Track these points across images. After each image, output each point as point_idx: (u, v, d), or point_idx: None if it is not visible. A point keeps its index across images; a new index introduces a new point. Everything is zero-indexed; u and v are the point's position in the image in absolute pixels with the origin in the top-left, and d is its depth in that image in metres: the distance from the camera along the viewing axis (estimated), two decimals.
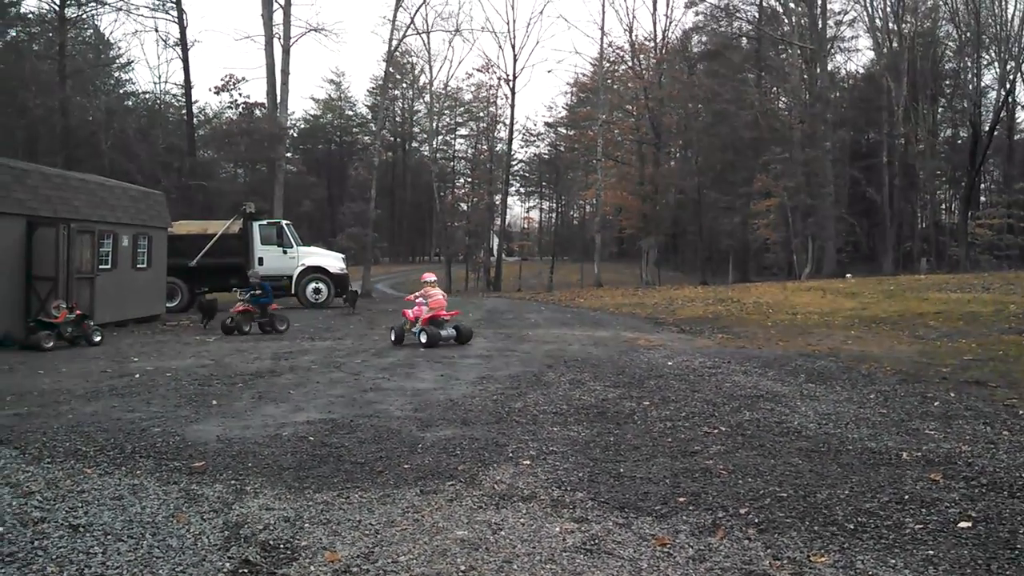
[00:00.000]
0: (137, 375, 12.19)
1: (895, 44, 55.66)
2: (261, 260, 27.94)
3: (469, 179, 73.75)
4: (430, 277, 16.70)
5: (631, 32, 56.81)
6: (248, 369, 12.86)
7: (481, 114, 67.69)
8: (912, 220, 60.87)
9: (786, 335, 17.17)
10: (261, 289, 19.00)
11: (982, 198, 62.49)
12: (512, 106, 55.07)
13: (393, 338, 16.25)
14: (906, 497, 5.90)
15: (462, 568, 4.70)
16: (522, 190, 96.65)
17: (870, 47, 66.16)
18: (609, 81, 58.55)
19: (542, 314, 24.79)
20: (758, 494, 6.03)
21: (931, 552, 4.86)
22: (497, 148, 60.86)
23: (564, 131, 71.88)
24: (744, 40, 60.38)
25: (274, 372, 12.51)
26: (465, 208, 64.14)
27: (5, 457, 7.08)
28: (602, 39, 60.14)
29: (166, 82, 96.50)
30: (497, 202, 57.55)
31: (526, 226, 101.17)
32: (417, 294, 16.54)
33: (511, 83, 54.14)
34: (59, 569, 4.67)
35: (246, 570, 4.70)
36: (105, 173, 33.59)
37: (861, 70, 68.73)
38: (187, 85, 44.32)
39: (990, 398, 9.73)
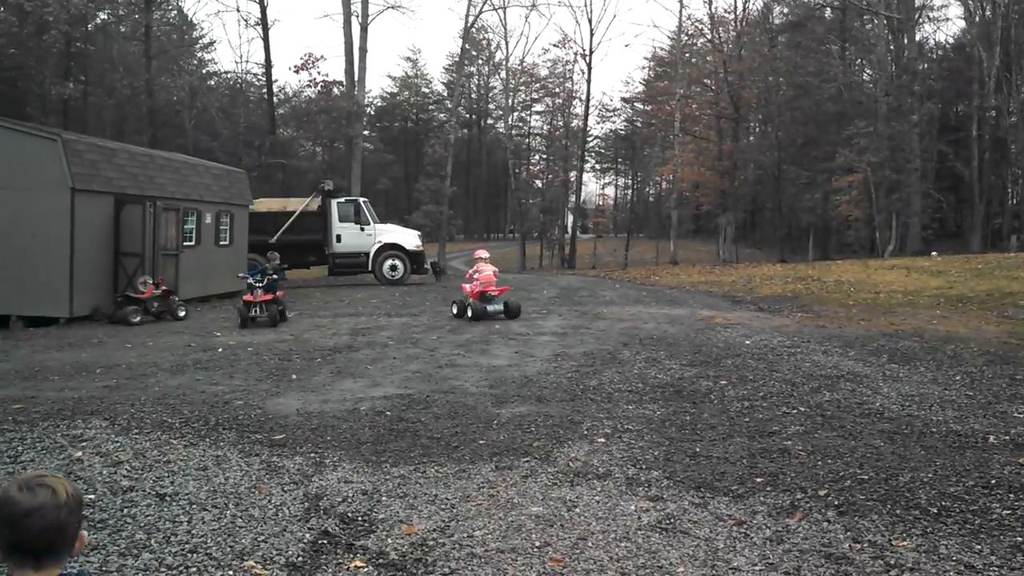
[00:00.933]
0: (220, 349, 12.51)
1: (988, 12, 53.54)
2: (339, 237, 28.32)
3: (544, 156, 73.63)
4: (483, 254, 17.42)
5: (711, 4, 55.92)
6: (326, 344, 13.08)
7: (557, 90, 67.27)
8: (1002, 196, 58.69)
9: (868, 314, 16.76)
10: (278, 273, 17.09)
11: None
12: (588, 81, 54.74)
13: (455, 311, 17.01)
14: (993, 482, 5.73)
15: (537, 544, 4.73)
16: (597, 166, 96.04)
17: (961, 16, 63.82)
18: (687, 55, 57.64)
19: (616, 292, 24.65)
20: (838, 476, 5.93)
21: (1019, 539, 4.72)
22: (573, 124, 60.43)
23: (641, 106, 71.05)
24: (828, 10, 58.73)
25: (352, 348, 12.71)
26: (540, 185, 64.05)
27: (95, 428, 7.34)
28: (680, 12, 59.54)
29: (247, 61, 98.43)
30: (572, 179, 57.34)
31: (601, 203, 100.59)
32: (472, 270, 17.26)
33: (587, 58, 53.73)
34: (147, 536, 4.84)
35: (326, 541, 4.80)
36: (189, 152, 34.40)
37: (951, 40, 66.33)
38: (267, 64, 45.03)
39: None
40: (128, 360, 11.52)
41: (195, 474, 6.07)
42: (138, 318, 16.26)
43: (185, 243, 19.91)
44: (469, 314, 16.15)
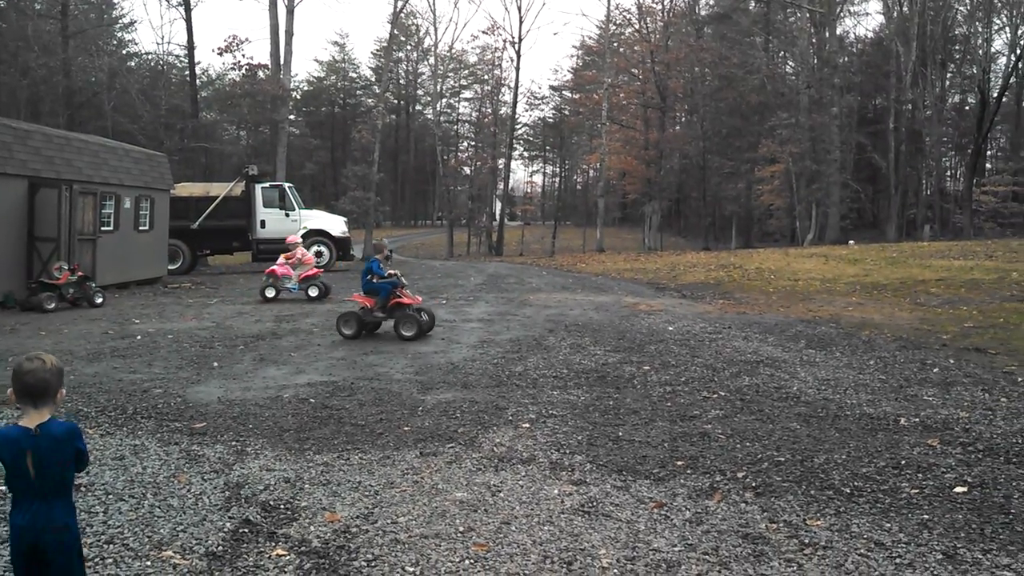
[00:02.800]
0: (138, 337, 12.23)
1: (905, 8, 55.02)
2: (263, 223, 27.91)
3: (473, 143, 73.37)
4: (296, 239, 18.99)
5: None
6: (250, 331, 12.89)
7: (486, 77, 67.01)
8: (917, 187, 60.54)
9: (787, 301, 17.16)
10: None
11: (988, 165, 62.06)
12: (517, 69, 54.89)
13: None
14: (903, 462, 5.94)
15: (461, 529, 4.75)
16: (526, 154, 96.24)
17: (880, 11, 65.81)
18: (615, 44, 57.97)
19: (543, 279, 24.78)
20: (756, 458, 6.07)
21: (926, 516, 4.90)
22: (501, 111, 60.35)
23: (569, 95, 71.31)
24: (752, 3, 59.72)
25: (275, 335, 12.55)
26: (468, 172, 63.80)
27: (6, 418, 7.12)
28: (609, 1, 59.67)
29: (169, 43, 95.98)
30: (500, 166, 57.24)
31: (529, 190, 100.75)
32: (293, 257, 18.11)
33: (516, 45, 53.64)
34: None
35: (247, 530, 4.75)
36: (108, 134, 33.49)
37: (870, 34, 68.10)
38: (190, 46, 43.94)
39: (989, 365, 9.74)
40: (42, 348, 11.14)
41: (112, 464, 5.94)
42: (53, 305, 15.79)
43: (103, 228, 19.38)
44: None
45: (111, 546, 4.49)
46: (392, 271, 12.89)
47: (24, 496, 3.23)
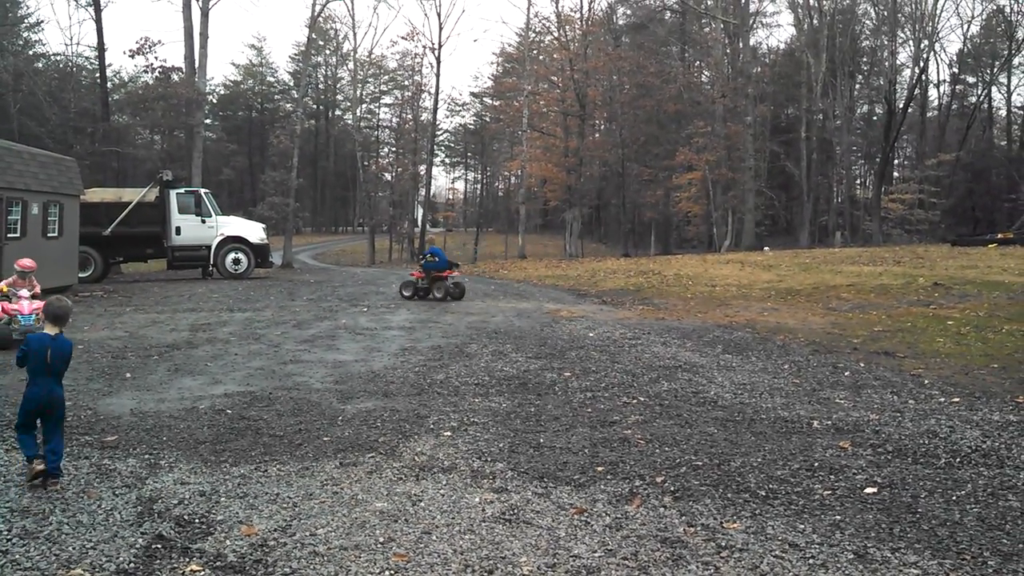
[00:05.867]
0: None
1: (815, 20, 56.60)
2: (179, 229, 27.27)
3: (394, 149, 73.00)
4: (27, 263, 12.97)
5: (557, 3, 56.89)
6: (164, 341, 12.58)
7: (406, 83, 66.79)
8: (828, 194, 62.36)
9: (705, 307, 17.47)
10: (434, 255, 19.73)
11: (895, 174, 64.25)
12: (438, 75, 54.82)
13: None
14: (816, 464, 6.09)
15: (381, 539, 4.70)
16: (447, 160, 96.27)
17: (791, 23, 67.39)
18: (535, 52, 58.38)
19: (465, 285, 24.75)
20: (674, 463, 6.16)
21: (838, 517, 5.03)
22: (422, 118, 60.21)
23: (490, 101, 71.64)
24: (668, 13, 60.76)
25: (191, 344, 12.27)
26: (389, 178, 63.49)
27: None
28: (528, 9, 60.40)
29: (78, 44, 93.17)
30: (422, 172, 57.04)
31: (451, 197, 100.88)
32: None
33: (437, 52, 53.60)
34: None
35: (160, 545, 4.62)
36: (13, 138, 32.32)
37: (782, 46, 70.09)
38: (100, 47, 42.54)
39: (898, 368, 10.07)
40: None
41: (16, 480, 5.72)
42: None
43: (9, 235, 18.70)
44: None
45: (14, 566, 4.33)
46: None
47: (39, 376, 5.62)
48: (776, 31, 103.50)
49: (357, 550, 4.56)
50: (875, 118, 63.95)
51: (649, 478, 5.81)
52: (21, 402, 5.72)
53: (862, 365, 10.26)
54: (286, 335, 13.29)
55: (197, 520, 5.01)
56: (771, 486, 5.61)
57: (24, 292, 12.41)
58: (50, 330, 5.76)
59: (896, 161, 66.23)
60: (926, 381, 9.21)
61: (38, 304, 11.86)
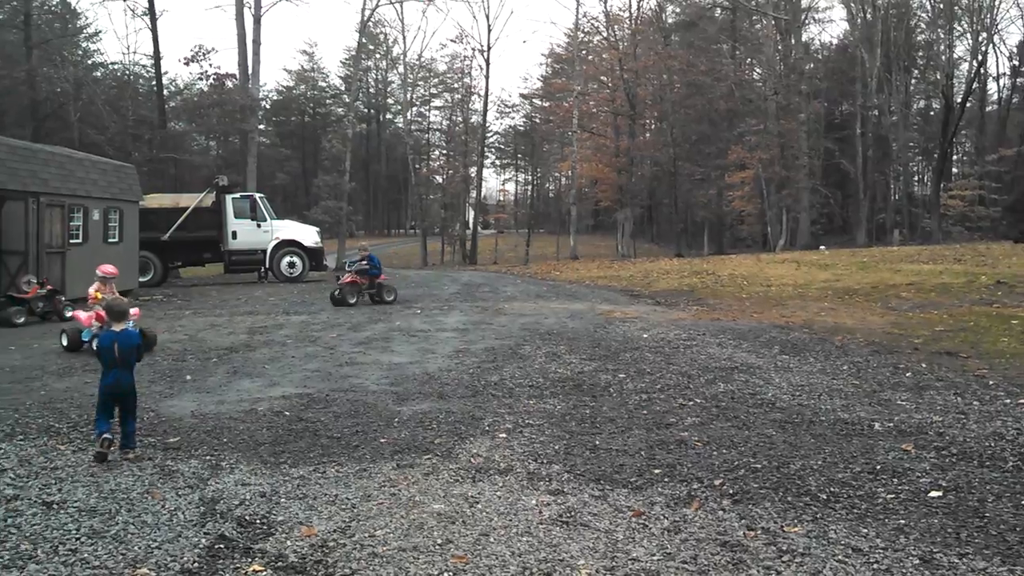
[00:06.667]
0: None
1: (869, 15, 55.67)
2: (235, 234, 27.71)
3: (444, 151, 73.29)
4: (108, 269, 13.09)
5: (606, 2, 56.49)
6: (223, 344, 12.78)
7: (456, 85, 67.03)
8: (885, 192, 61.23)
9: (760, 307, 17.27)
10: (368, 261, 19.28)
11: (954, 170, 62.89)
12: (487, 77, 54.62)
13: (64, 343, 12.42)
14: (878, 467, 5.98)
15: (439, 541, 4.72)
16: (497, 162, 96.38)
17: (844, 18, 66.38)
18: (584, 52, 58.22)
19: (518, 287, 24.79)
20: (732, 465, 6.09)
21: (902, 521, 4.93)
22: (472, 120, 60.33)
23: (539, 103, 71.51)
24: (718, 10, 60.18)
25: (249, 347, 12.45)
26: (440, 181, 63.75)
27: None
28: (577, 9, 59.95)
29: (135, 53, 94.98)
30: (472, 174, 57.17)
31: (502, 199, 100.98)
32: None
33: (485, 54, 53.66)
34: (33, 546, 4.64)
35: (222, 545, 4.69)
36: (74, 146, 33.11)
37: (835, 41, 68.88)
38: (156, 56, 43.43)
39: (961, 368, 9.85)
40: (11, 363, 11.04)
41: (84, 480, 5.85)
42: (22, 319, 15.60)
43: (72, 240, 19.15)
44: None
45: (84, 565, 4.42)
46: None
47: (111, 367, 6.45)
48: (828, 26, 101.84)
49: (416, 551, 4.58)
50: (932, 113, 62.57)
51: (707, 481, 5.75)
52: (98, 391, 6.64)
53: (924, 366, 10.06)
54: (341, 337, 13.42)
55: (258, 521, 5.08)
56: (832, 489, 5.53)
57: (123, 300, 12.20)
58: (116, 327, 6.56)
59: (955, 157, 64.85)
60: (991, 382, 9.00)
61: (135, 311, 11.44)
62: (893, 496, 5.38)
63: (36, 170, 18.61)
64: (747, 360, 10.65)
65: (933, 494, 5.39)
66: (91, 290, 12.38)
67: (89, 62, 54.33)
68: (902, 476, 5.78)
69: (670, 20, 62.91)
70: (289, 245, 28.13)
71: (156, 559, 4.51)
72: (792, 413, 7.70)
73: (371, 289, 19.28)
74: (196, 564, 4.45)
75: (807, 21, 59.08)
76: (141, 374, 10.03)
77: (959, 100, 51.24)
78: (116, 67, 55.57)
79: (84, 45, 55.05)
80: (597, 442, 6.82)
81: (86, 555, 4.55)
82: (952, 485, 5.56)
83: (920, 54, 62.86)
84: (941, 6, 53.40)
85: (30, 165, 18.51)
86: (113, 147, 39.10)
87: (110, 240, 21.44)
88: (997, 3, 50.57)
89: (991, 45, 52.47)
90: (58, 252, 18.27)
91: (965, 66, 56.31)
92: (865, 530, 4.82)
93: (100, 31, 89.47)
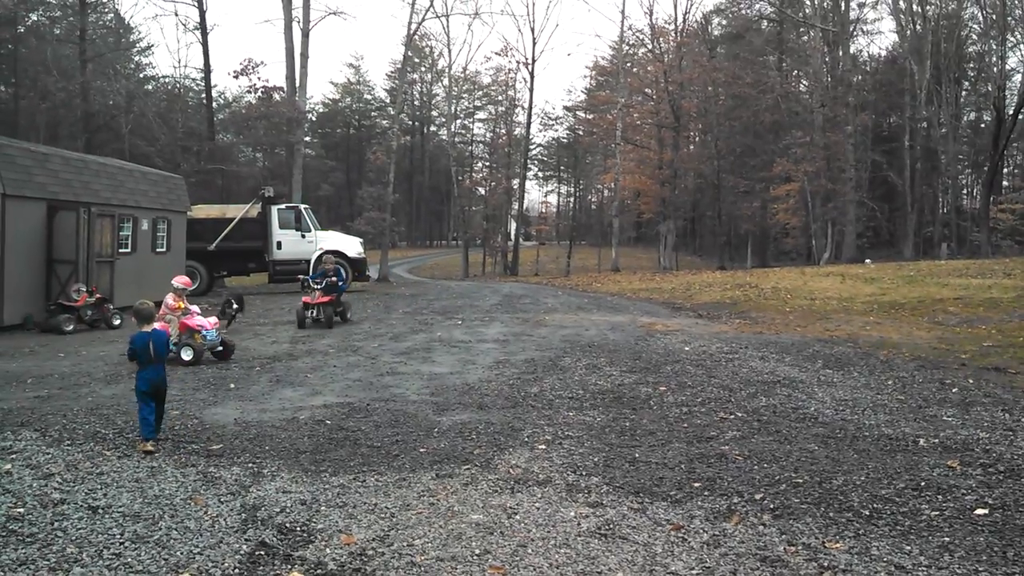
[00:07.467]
0: None
1: (919, 26, 55.02)
2: (280, 244, 28.03)
3: (487, 163, 73.70)
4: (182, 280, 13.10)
5: (651, 15, 56.68)
6: (266, 353, 12.93)
7: (500, 98, 67.42)
8: (933, 205, 60.38)
9: (804, 320, 17.08)
10: (336, 275, 17.05)
11: (1005, 183, 61.81)
12: (531, 90, 55.22)
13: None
14: (923, 484, 5.88)
15: (477, 552, 4.73)
16: (540, 174, 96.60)
17: (893, 29, 65.66)
18: (629, 64, 58.19)
19: (559, 299, 24.77)
20: (773, 480, 6.03)
21: (947, 539, 4.85)
22: (516, 132, 60.63)
23: (583, 115, 71.57)
24: (765, 22, 59.85)
25: (291, 356, 12.58)
26: (483, 192, 64.02)
27: (26, 439, 7.16)
28: (622, 22, 60.42)
29: (186, 66, 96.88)
30: (515, 186, 57.36)
31: (544, 210, 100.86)
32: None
33: (530, 66, 53.96)
34: (78, 550, 4.73)
35: (263, 552, 4.74)
36: (125, 157, 33.79)
37: (884, 53, 68.15)
38: (206, 69, 44.24)
39: (1009, 385, 9.66)
40: (60, 370, 11.25)
41: (129, 486, 5.95)
42: (71, 327, 15.90)
43: (121, 250, 19.52)
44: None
45: (128, 569, 4.49)
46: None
47: (148, 364, 7.19)
48: (877, 38, 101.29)
49: (454, 561, 4.59)
50: (983, 125, 61.61)
51: (748, 495, 5.69)
52: (136, 383, 7.23)
53: (971, 381, 9.88)
54: (383, 347, 13.51)
55: (298, 528, 5.12)
56: (875, 505, 5.44)
57: (196, 308, 12.75)
58: (146, 328, 7.36)
59: (1006, 170, 63.77)
60: None
61: (215, 319, 12.53)
62: (937, 513, 5.28)
63: (88, 181, 19.02)
64: (790, 374, 10.54)
65: (979, 512, 5.29)
66: (169, 300, 12.46)
67: (141, 75, 55.54)
68: (947, 493, 5.68)
69: (716, 32, 62.78)
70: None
71: (198, 564, 4.57)
72: (835, 428, 7.60)
73: (338, 307, 17.23)
74: (237, 570, 4.50)
75: (855, 33, 58.53)
76: (184, 381, 10.22)
77: (1011, 112, 50.34)
78: (167, 80, 56.76)
79: (137, 59, 56.34)
80: (636, 455, 6.79)
81: (129, 559, 4.62)
82: (999, 503, 5.45)
83: (971, 65, 61.95)
84: (994, 17, 52.59)
85: (82, 176, 18.92)
86: (163, 158, 39.85)
87: (158, 250, 21.82)
88: None
89: None
90: (107, 261, 18.63)
91: (1018, 77, 55.39)
92: (908, 547, 4.74)
93: (152, 45, 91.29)
